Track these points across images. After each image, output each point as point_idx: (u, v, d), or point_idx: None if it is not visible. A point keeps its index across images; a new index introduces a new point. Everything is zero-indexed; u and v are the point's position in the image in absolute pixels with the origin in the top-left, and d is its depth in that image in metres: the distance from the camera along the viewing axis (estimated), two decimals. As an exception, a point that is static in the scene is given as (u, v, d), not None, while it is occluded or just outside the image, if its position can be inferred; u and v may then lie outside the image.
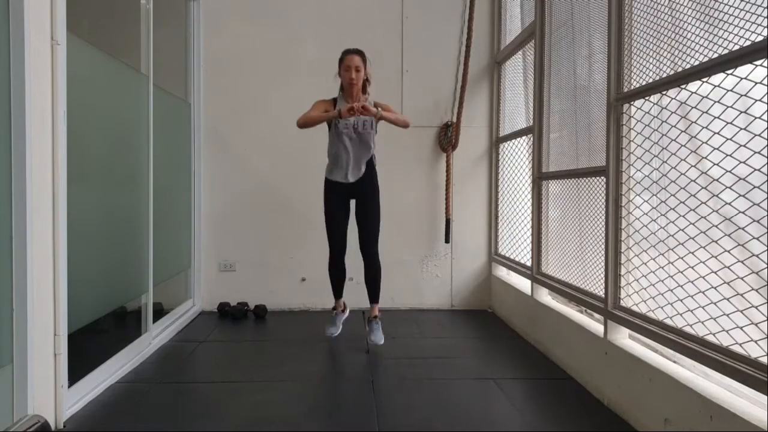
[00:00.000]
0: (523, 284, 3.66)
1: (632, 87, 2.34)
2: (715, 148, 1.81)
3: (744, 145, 1.67)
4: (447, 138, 4.31)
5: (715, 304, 1.80)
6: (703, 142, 1.88)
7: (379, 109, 3.07)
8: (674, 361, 2.10)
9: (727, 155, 1.74)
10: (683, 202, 1.97)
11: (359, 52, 3.16)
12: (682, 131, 2.01)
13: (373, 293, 3.33)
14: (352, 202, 3.31)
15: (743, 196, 1.68)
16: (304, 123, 3.11)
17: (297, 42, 4.27)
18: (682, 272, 1.98)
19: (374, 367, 2.92)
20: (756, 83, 1.62)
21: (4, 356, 1.87)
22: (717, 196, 1.81)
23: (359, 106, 2.95)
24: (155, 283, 3.23)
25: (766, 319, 1.58)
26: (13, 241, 1.90)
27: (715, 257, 1.80)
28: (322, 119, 3.12)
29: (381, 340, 3.17)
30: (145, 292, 3.14)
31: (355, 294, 3.76)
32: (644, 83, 2.23)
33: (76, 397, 2.32)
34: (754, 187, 1.63)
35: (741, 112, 1.69)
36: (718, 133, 1.79)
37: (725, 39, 1.77)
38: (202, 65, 4.19)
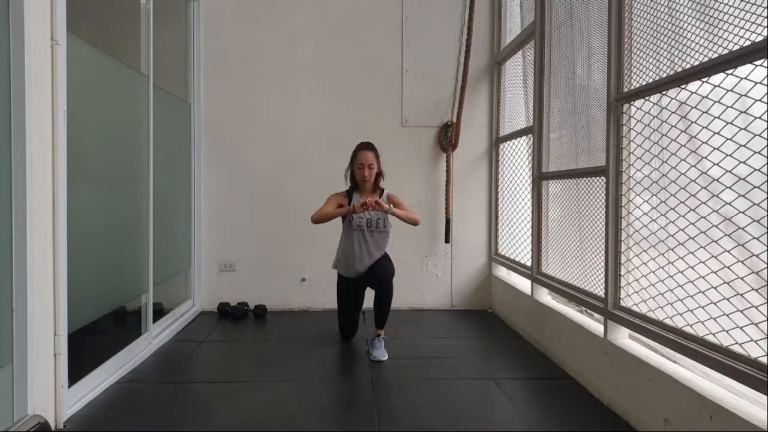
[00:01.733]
0: (523, 284, 3.66)
1: (632, 87, 2.34)
2: (715, 148, 1.81)
3: (744, 145, 1.67)
4: (447, 138, 4.31)
5: (715, 304, 1.80)
6: (703, 142, 1.89)
7: (391, 205, 3.14)
8: (674, 361, 2.10)
9: (727, 155, 1.74)
10: (683, 202, 1.97)
11: (372, 148, 3.25)
12: (682, 131, 2.01)
13: (382, 321, 3.22)
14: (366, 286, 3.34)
15: (743, 196, 1.68)
16: (319, 219, 3.16)
17: (297, 42, 4.27)
18: (682, 272, 1.98)
19: (374, 367, 2.92)
20: (756, 83, 1.62)
21: (4, 356, 1.87)
22: (717, 196, 1.81)
23: (372, 201, 3.02)
24: (155, 283, 3.23)
25: (766, 319, 1.58)
26: (13, 241, 1.90)
27: (715, 257, 1.80)
28: (336, 214, 3.19)
29: (384, 356, 3.04)
30: (145, 292, 3.14)
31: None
32: (644, 83, 2.23)
33: (76, 397, 2.32)
34: (754, 187, 1.63)
35: (741, 112, 1.69)
36: (718, 133, 1.79)
37: (725, 39, 1.77)
38: (202, 65, 4.19)
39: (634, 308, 2.28)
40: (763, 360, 1.58)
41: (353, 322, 3.41)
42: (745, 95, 1.67)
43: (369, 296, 3.34)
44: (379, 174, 3.29)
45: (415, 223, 3.25)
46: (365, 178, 3.20)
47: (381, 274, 3.17)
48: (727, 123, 1.74)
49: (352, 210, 3.11)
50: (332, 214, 3.17)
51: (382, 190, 3.33)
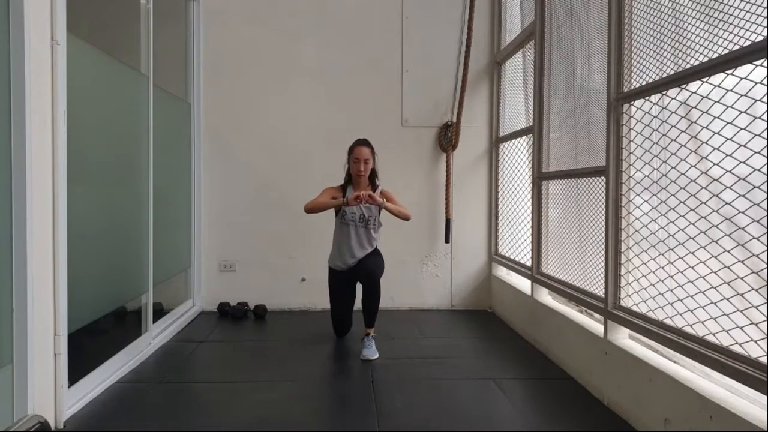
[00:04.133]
0: (523, 284, 3.65)
1: (632, 87, 2.34)
2: (715, 148, 1.81)
3: (744, 145, 1.67)
4: (447, 138, 4.31)
5: (715, 304, 1.80)
6: (703, 142, 1.88)
7: (384, 199, 3.18)
8: (674, 361, 2.10)
9: (728, 155, 1.74)
10: (683, 202, 1.97)
11: (368, 144, 3.31)
12: (682, 131, 2.01)
13: (370, 318, 3.26)
14: (356, 282, 3.38)
15: (743, 196, 1.68)
16: (312, 208, 3.21)
17: (297, 42, 4.27)
18: (682, 272, 1.98)
19: (374, 367, 2.92)
20: (756, 83, 1.62)
21: (4, 356, 1.87)
22: (717, 196, 1.81)
23: (366, 194, 3.07)
24: (155, 283, 3.23)
25: (766, 319, 1.58)
26: (13, 241, 1.90)
27: (716, 257, 1.80)
28: (329, 205, 3.24)
29: (374, 355, 3.05)
30: (145, 292, 3.14)
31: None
32: (644, 83, 2.23)
33: (76, 397, 2.32)
34: (755, 187, 1.63)
35: (741, 112, 1.69)
36: (718, 133, 1.79)
37: (725, 39, 1.77)
38: (202, 65, 4.19)
39: (634, 308, 2.28)
40: (763, 360, 1.58)
41: (345, 317, 3.45)
42: (745, 95, 1.67)
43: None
44: (374, 172, 3.35)
45: (406, 218, 3.30)
46: (360, 173, 3.26)
47: (368, 269, 3.24)
48: (728, 123, 1.74)
49: (345, 203, 3.16)
50: (325, 205, 3.22)
51: (377, 186, 3.37)
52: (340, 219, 3.33)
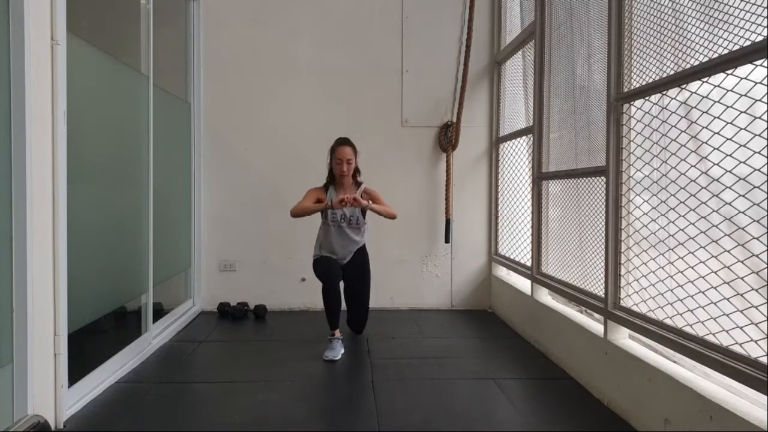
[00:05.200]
0: (523, 284, 3.65)
1: (632, 87, 2.34)
2: (715, 148, 1.81)
3: (744, 145, 1.67)
4: (447, 138, 4.31)
5: (715, 304, 1.80)
6: (703, 142, 1.88)
7: (369, 201, 3.20)
8: (674, 361, 2.10)
9: (728, 155, 1.74)
10: (683, 202, 1.97)
11: (349, 143, 3.30)
12: (682, 131, 2.01)
13: (359, 322, 3.50)
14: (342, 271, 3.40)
15: (743, 196, 1.68)
16: (297, 213, 3.23)
17: (297, 42, 4.27)
18: (682, 272, 1.98)
19: (374, 367, 2.92)
20: (756, 83, 1.62)
21: (4, 356, 1.87)
22: (717, 196, 1.81)
23: (350, 198, 3.08)
24: (155, 283, 3.23)
25: (766, 319, 1.58)
26: (13, 241, 1.90)
27: (716, 257, 1.80)
28: (314, 210, 3.25)
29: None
30: (145, 292, 3.14)
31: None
32: (644, 83, 2.23)
33: (76, 397, 2.32)
34: (755, 187, 1.63)
35: (741, 112, 1.69)
36: (718, 133, 1.79)
37: (725, 39, 1.77)
38: (202, 65, 4.19)
39: (634, 308, 2.28)
40: (763, 360, 1.58)
41: (335, 269, 3.27)
42: (745, 95, 1.67)
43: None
44: (356, 169, 3.34)
45: (392, 218, 3.32)
46: (343, 173, 3.25)
47: (357, 298, 3.42)
48: (728, 123, 1.74)
49: (330, 206, 3.17)
50: (311, 209, 3.23)
51: (360, 183, 3.36)
52: (324, 220, 3.35)
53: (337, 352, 3.09)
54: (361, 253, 3.41)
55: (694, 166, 1.94)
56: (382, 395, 2.51)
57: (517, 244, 3.85)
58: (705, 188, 1.87)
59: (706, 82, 1.85)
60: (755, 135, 1.63)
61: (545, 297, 3.31)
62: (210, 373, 2.90)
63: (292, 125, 4.29)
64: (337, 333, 3.20)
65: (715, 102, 1.80)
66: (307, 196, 3.30)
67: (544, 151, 3.33)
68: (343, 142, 3.30)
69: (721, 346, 1.75)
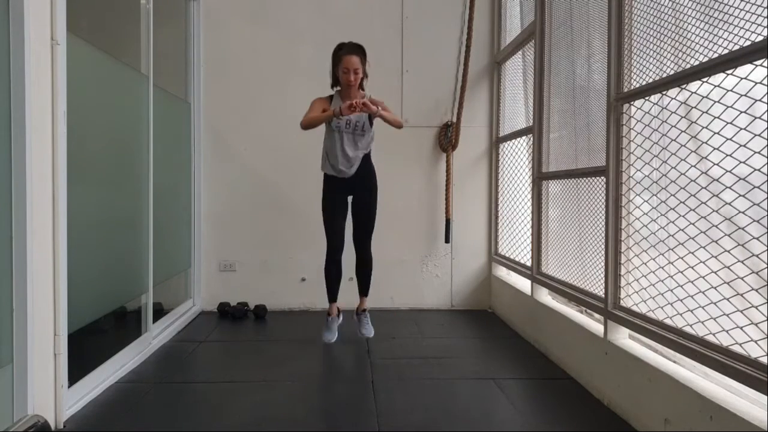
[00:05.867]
0: (523, 284, 3.65)
1: (632, 87, 2.34)
2: (715, 148, 1.81)
3: (744, 145, 1.67)
4: (447, 138, 4.31)
5: (715, 304, 1.80)
6: (703, 142, 1.89)
7: (379, 107, 3.03)
8: (674, 361, 2.10)
9: (728, 155, 1.74)
10: (683, 202, 1.97)
11: (358, 51, 3.08)
12: (682, 131, 2.01)
13: (365, 286, 3.38)
14: (350, 198, 3.29)
15: (743, 196, 1.68)
16: (308, 124, 3.10)
17: (297, 42, 4.27)
18: (682, 272, 1.98)
19: (374, 367, 2.91)
20: (756, 83, 1.62)
21: (4, 356, 1.87)
22: (717, 196, 1.81)
23: (360, 102, 2.92)
24: (155, 283, 3.23)
25: (766, 319, 1.58)
26: (13, 241, 1.90)
27: (716, 257, 1.80)
28: (323, 119, 3.10)
29: (371, 332, 3.22)
30: (145, 292, 3.14)
31: (352, 294, 3.73)
32: (644, 83, 2.23)
33: (76, 397, 2.32)
34: (755, 187, 1.63)
35: (741, 112, 1.69)
36: (718, 133, 1.79)
37: (725, 39, 1.77)
38: (202, 65, 4.19)
39: (634, 308, 2.28)
40: (763, 360, 1.58)
41: (339, 229, 3.25)
42: (745, 95, 1.67)
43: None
44: (364, 76, 3.16)
45: (399, 126, 3.20)
46: (350, 83, 3.08)
47: (360, 232, 3.24)
48: (728, 123, 1.74)
49: (339, 112, 2.99)
50: (320, 119, 3.09)
51: (364, 92, 3.23)
52: (328, 127, 3.18)
53: (333, 334, 3.14)
54: (367, 165, 3.23)
55: (694, 166, 1.94)
56: (382, 395, 2.51)
57: (517, 244, 3.85)
58: (705, 188, 1.87)
59: (706, 82, 1.85)
60: (755, 135, 1.63)
61: (545, 297, 3.31)
62: (210, 373, 2.90)
63: (293, 125, 4.26)
64: (335, 310, 3.24)
65: (715, 102, 1.80)
66: (313, 106, 3.15)
67: (544, 151, 3.33)
68: (350, 49, 3.07)
69: (721, 346, 1.75)
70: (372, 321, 3.38)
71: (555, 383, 2.70)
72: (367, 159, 3.25)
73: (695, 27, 1.93)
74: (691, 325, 1.91)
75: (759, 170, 1.61)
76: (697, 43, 1.91)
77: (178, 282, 4.04)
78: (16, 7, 1.89)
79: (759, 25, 1.62)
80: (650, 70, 2.20)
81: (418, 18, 4.31)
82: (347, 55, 3.07)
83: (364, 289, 3.40)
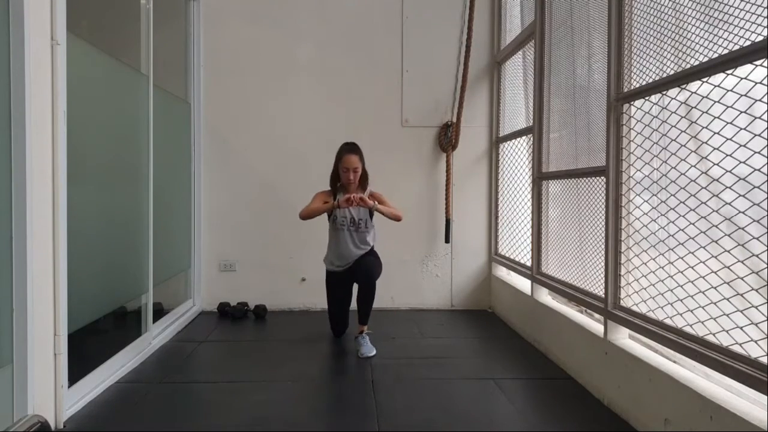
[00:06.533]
0: (523, 284, 3.65)
1: (632, 87, 2.34)
2: (715, 148, 1.81)
3: (744, 145, 1.67)
4: (447, 138, 4.31)
5: (715, 304, 1.80)
6: (703, 142, 1.89)
7: (375, 202, 3.21)
8: (674, 361, 2.10)
9: (728, 155, 1.74)
10: (683, 202, 1.97)
11: (356, 151, 3.29)
12: (682, 131, 2.01)
13: (365, 314, 3.27)
14: (352, 280, 3.40)
15: (743, 196, 1.68)
16: (307, 215, 3.26)
17: (297, 42, 4.27)
18: (682, 272, 1.98)
19: (374, 367, 2.92)
20: (756, 83, 1.62)
21: (4, 356, 1.87)
22: (717, 196, 1.81)
23: (357, 197, 3.10)
24: (155, 283, 3.23)
25: (766, 319, 1.58)
26: (13, 241, 1.90)
27: (716, 257, 1.80)
28: (322, 210, 3.27)
29: (372, 351, 3.10)
30: (145, 292, 3.14)
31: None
32: (644, 83, 2.23)
33: (76, 397, 2.32)
34: (755, 187, 1.63)
35: (741, 112, 1.69)
36: (718, 133, 1.79)
37: (725, 39, 1.77)
38: (202, 65, 4.19)
39: (634, 308, 2.28)
40: (763, 360, 1.58)
41: (342, 317, 3.46)
42: (745, 95, 1.67)
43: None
44: (365, 174, 3.35)
45: (397, 219, 3.32)
46: (350, 181, 3.28)
47: (365, 268, 3.26)
48: (728, 123, 1.74)
49: (336, 205, 3.19)
50: (319, 210, 3.25)
51: (366, 188, 3.37)
52: (332, 223, 3.36)
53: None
54: (372, 255, 3.37)
55: (694, 166, 1.94)
56: (382, 395, 2.51)
57: (517, 244, 3.85)
58: (705, 188, 1.87)
59: (706, 82, 1.85)
60: (755, 135, 1.63)
61: (545, 297, 3.31)
62: (210, 373, 2.90)
63: (292, 125, 4.29)
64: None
65: (715, 102, 1.80)
66: (315, 198, 3.33)
67: (544, 151, 3.33)
68: (350, 150, 3.29)
69: (721, 346, 1.75)
70: (372, 321, 3.37)
71: (555, 383, 2.70)
72: (371, 252, 3.40)
73: (695, 27, 1.93)
74: (691, 325, 1.91)
75: (759, 170, 1.61)
76: (697, 43, 1.91)
77: (178, 282, 4.04)
78: (16, 7, 1.89)
79: (759, 25, 1.62)
80: (650, 70, 2.20)
81: (418, 18, 4.31)
82: (346, 155, 3.28)
83: (363, 318, 3.27)
